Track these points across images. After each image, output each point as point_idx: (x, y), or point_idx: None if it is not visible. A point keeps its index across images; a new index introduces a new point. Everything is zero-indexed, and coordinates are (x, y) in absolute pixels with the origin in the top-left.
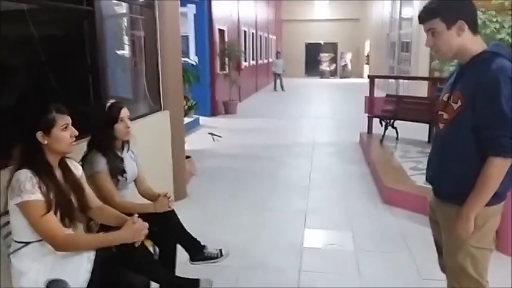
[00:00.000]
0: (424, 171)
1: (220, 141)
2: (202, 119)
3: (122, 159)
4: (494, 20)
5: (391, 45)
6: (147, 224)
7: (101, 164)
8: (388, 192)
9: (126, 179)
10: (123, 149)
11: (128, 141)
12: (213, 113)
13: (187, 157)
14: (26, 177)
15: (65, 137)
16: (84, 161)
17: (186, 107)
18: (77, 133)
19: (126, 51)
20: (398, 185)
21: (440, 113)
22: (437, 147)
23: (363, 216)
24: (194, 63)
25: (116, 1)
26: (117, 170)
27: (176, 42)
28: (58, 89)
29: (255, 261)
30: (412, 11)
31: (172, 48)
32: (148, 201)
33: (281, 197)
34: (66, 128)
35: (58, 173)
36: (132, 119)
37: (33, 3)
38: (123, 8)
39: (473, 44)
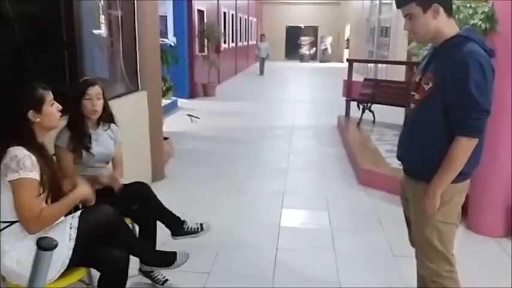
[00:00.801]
0: None
1: (199, 123)
2: (181, 101)
3: (89, 136)
4: (468, 5)
5: (371, 30)
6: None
7: (62, 138)
8: (364, 174)
9: (93, 155)
10: (98, 125)
11: (107, 119)
12: (192, 95)
13: (165, 138)
14: (24, 154)
15: (54, 112)
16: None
17: (164, 88)
18: (61, 107)
19: (102, 31)
20: (374, 166)
21: (412, 93)
22: (407, 126)
23: (339, 197)
24: (172, 44)
25: None
26: (80, 147)
27: (154, 23)
28: (34, 68)
29: (233, 240)
30: None
31: (150, 28)
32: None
33: (259, 178)
34: (52, 103)
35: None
36: (108, 99)
37: None
38: None
39: (448, 27)
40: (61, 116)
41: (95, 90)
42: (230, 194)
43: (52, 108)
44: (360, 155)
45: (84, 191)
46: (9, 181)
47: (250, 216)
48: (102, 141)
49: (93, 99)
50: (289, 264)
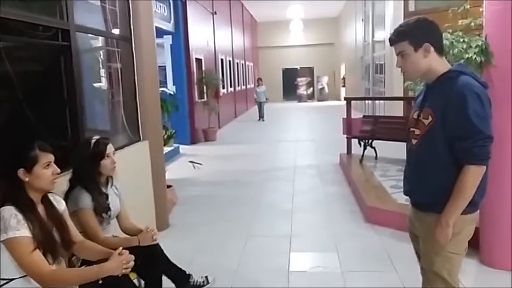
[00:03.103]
0: None
1: (201, 169)
2: (183, 148)
3: (106, 196)
4: (462, 40)
5: (366, 68)
6: (133, 256)
7: (86, 200)
8: (371, 212)
9: (109, 216)
10: (107, 184)
11: (111, 177)
12: (193, 141)
13: (169, 186)
14: (10, 214)
15: (46, 175)
16: (68, 197)
17: (165, 136)
18: (59, 171)
19: (103, 84)
20: (380, 204)
21: (412, 129)
22: (412, 161)
23: (347, 237)
24: (172, 93)
25: (92, 35)
26: (102, 208)
27: (153, 73)
28: (36, 124)
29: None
30: (384, 33)
31: (150, 78)
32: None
33: (265, 222)
34: (48, 165)
35: (40, 209)
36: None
37: (8, 40)
38: (99, 42)
39: (439, 64)
40: (60, 173)
41: (110, 148)
42: (236, 239)
43: (45, 171)
44: (365, 193)
45: (113, 268)
46: (1, 241)
47: (258, 262)
48: (111, 199)
49: (111, 157)
50: None
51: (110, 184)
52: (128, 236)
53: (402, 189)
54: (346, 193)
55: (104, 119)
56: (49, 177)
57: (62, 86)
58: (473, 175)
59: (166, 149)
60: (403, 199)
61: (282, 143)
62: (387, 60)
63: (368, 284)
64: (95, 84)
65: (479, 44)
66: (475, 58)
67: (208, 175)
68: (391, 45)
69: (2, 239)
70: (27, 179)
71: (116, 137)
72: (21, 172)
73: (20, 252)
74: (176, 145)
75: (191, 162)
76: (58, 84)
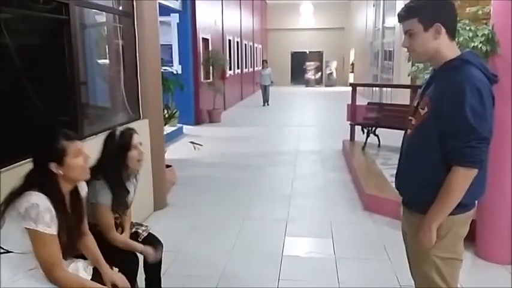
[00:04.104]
0: None
1: (203, 150)
2: (186, 128)
3: (128, 192)
4: (468, 28)
5: (375, 54)
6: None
7: (106, 197)
8: (369, 199)
9: (125, 213)
10: (130, 177)
11: (137, 170)
12: (197, 121)
13: (168, 166)
14: (46, 207)
15: (78, 164)
16: (89, 187)
17: (166, 115)
18: (90, 157)
19: (104, 60)
20: (378, 192)
21: (409, 118)
22: (403, 154)
23: (344, 224)
24: (175, 72)
25: (96, 10)
26: (121, 206)
27: (155, 51)
28: (35, 99)
29: (235, 271)
30: (395, 20)
31: (152, 56)
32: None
33: (263, 205)
34: (78, 154)
35: (67, 200)
36: (110, 128)
37: (8, 12)
38: (103, 17)
39: (448, 49)
40: None
41: (138, 139)
42: (233, 221)
43: (77, 160)
44: (365, 180)
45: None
46: (26, 228)
47: (253, 245)
48: (130, 195)
49: (139, 148)
50: None
51: (134, 178)
52: (134, 243)
53: None
54: (346, 180)
55: (104, 95)
56: (82, 165)
57: (63, 61)
58: (461, 178)
59: (170, 129)
60: None
61: (287, 128)
62: (396, 47)
63: (361, 272)
64: (98, 61)
65: (486, 33)
66: (481, 47)
67: (210, 156)
68: (399, 21)
69: (29, 227)
70: (61, 172)
71: (116, 115)
72: (53, 166)
73: (42, 245)
74: (180, 125)
75: (192, 143)
76: (58, 59)
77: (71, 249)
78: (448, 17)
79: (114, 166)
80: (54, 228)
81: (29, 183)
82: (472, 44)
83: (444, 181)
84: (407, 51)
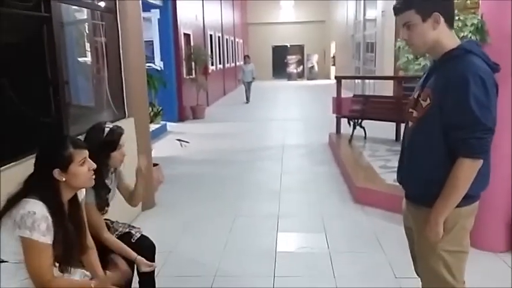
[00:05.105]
0: (394, 170)
1: (189, 147)
2: (170, 125)
3: (108, 190)
4: (457, 18)
5: (356, 46)
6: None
7: (89, 195)
8: (360, 192)
9: (106, 211)
10: (109, 175)
11: (116, 168)
12: (181, 118)
13: (155, 165)
14: (42, 215)
15: (83, 172)
16: None
17: (151, 113)
18: (94, 166)
19: (87, 58)
20: (369, 184)
21: (410, 110)
22: (406, 147)
23: (336, 217)
24: (159, 69)
25: (76, 7)
26: (103, 204)
27: (139, 48)
28: (16, 99)
29: (229, 269)
30: (376, 12)
31: (136, 53)
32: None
33: (252, 201)
34: (83, 162)
35: (66, 209)
36: None
37: None
38: (83, 14)
39: (448, 38)
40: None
41: (124, 139)
42: (223, 219)
43: (82, 168)
44: (354, 173)
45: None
46: (20, 236)
47: (245, 242)
48: (111, 193)
49: (122, 149)
50: None
51: (113, 175)
52: (128, 249)
53: (390, 169)
54: (335, 173)
55: (88, 94)
56: (86, 174)
57: (44, 60)
58: (468, 170)
59: (154, 127)
60: (391, 179)
61: (271, 122)
62: (378, 39)
63: (356, 265)
64: (80, 59)
65: (475, 22)
66: (470, 37)
67: (195, 153)
68: (395, 14)
69: (22, 235)
70: (64, 179)
71: (101, 114)
72: (56, 172)
73: (33, 255)
74: (163, 122)
75: (178, 140)
76: (40, 58)
77: (70, 262)
78: (446, 5)
79: (96, 163)
80: (49, 238)
81: (28, 189)
82: (462, 34)
83: (450, 173)
84: (406, 44)
